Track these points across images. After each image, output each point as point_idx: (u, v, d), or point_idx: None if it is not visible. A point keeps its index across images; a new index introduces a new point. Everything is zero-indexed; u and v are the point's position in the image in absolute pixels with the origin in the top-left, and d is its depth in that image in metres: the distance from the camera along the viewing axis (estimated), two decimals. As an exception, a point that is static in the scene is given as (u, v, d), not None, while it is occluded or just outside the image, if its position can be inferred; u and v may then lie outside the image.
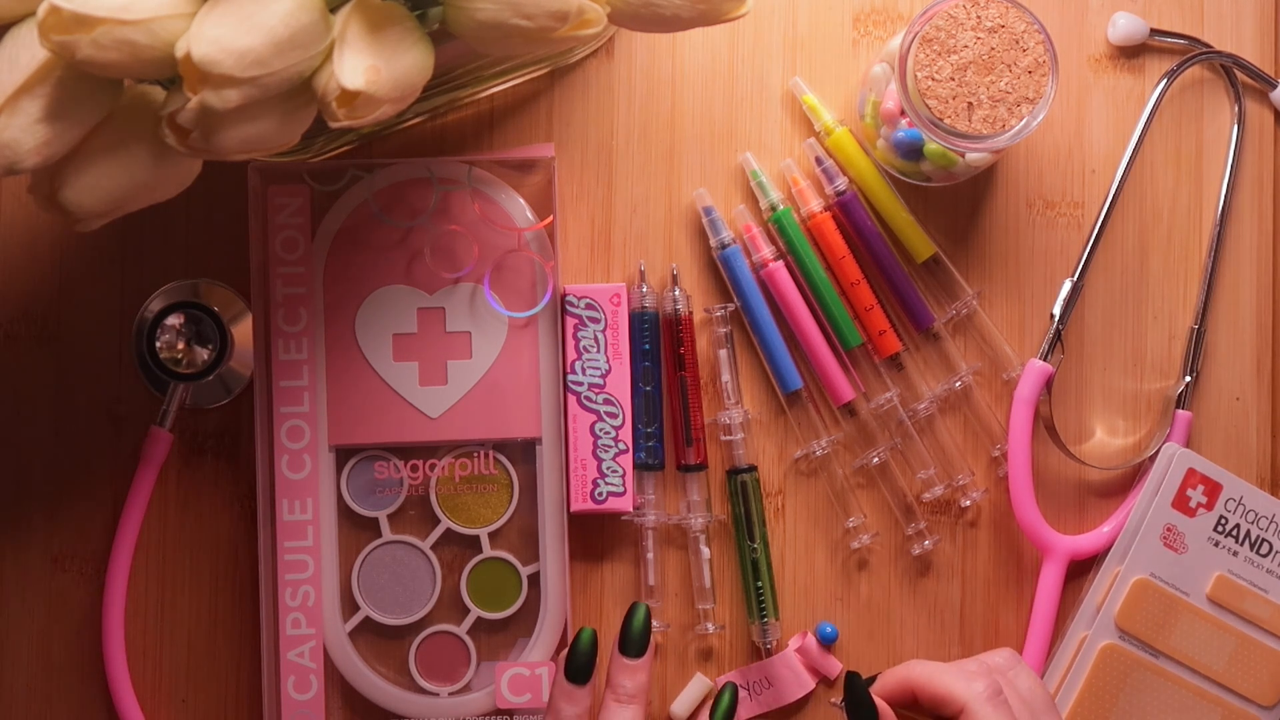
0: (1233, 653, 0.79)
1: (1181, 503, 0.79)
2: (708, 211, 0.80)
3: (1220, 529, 0.79)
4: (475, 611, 0.79)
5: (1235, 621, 0.79)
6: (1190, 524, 0.79)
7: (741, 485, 0.79)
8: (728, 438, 0.79)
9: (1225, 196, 0.81)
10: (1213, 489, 0.79)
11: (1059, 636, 0.80)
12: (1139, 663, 0.79)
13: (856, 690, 0.69)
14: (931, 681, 0.69)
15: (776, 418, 0.80)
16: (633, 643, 0.73)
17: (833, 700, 0.75)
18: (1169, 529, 0.79)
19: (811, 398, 0.80)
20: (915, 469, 0.80)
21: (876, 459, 0.80)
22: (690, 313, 0.79)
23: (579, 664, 0.72)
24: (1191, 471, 0.79)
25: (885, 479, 0.80)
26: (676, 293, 0.79)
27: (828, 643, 0.79)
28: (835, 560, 0.80)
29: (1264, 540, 0.79)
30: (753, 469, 0.79)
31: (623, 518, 0.80)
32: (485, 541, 0.79)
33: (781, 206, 0.79)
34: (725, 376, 0.79)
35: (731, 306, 0.79)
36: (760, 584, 0.79)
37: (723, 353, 0.79)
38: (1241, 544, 0.79)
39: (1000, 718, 0.67)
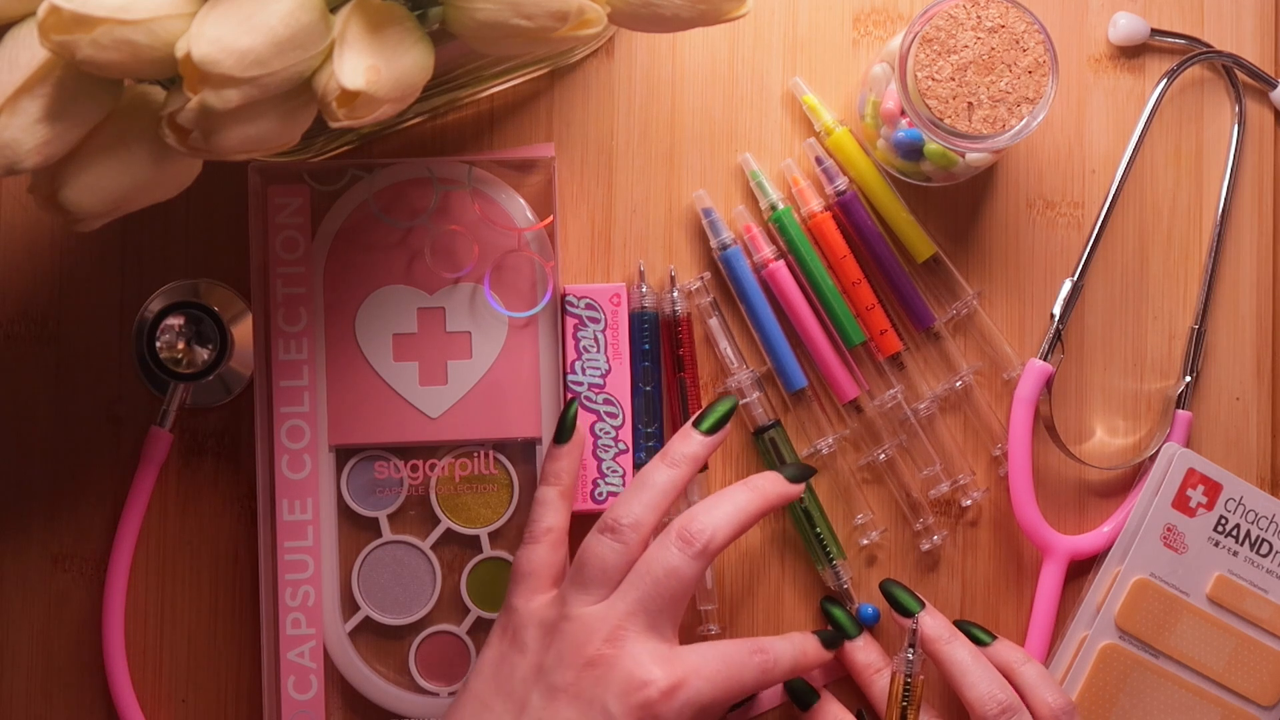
0: (1232, 653, 0.79)
1: (1182, 503, 0.79)
2: (707, 213, 0.79)
3: (1220, 529, 0.79)
4: (475, 611, 0.79)
5: (1235, 621, 0.79)
6: (1190, 524, 0.79)
7: (771, 443, 0.79)
8: (743, 400, 0.79)
9: (1225, 196, 0.81)
10: (1213, 489, 0.79)
11: (1059, 636, 0.80)
12: (1139, 663, 0.79)
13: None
14: (956, 674, 0.74)
15: (781, 416, 0.80)
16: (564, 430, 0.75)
17: None
18: (1169, 529, 0.79)
19: (816, 396, 0.80)
20: (920, 466, 0.80)
21: (883, 455, 0.80)
22: (689, 314, 0.79)
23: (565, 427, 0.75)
24: (1192, 471, 0.79)
25: (892, 475, 0.80)
26: (675, 294, 0.79)
27: (870, 624, 0.79)
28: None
29: (1264, 540, 0.79)
30: (776, 424, 0.79)
31: (623, 518, 0.79)
32: (485, 541, 0.79)
33: (781, 206, 0.79)
34: (722, 344, 0.79)
35: (707, 275, 0.79)
36: (818, 530, 0.79)
37: (713, 322, 0.79)
38: (1241, 544, 0.79)
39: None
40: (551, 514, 0.73)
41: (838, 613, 0.78)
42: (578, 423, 0.75)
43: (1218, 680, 0.79)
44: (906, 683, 0.74)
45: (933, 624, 0.76)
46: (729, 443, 0.80)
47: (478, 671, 0.71)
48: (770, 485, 0.74)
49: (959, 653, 0.75)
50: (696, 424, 0.74)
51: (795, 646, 0.73)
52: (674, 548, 0.70)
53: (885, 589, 0.78)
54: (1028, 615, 0.80)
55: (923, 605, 0.77)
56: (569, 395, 0.78)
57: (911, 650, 0.74)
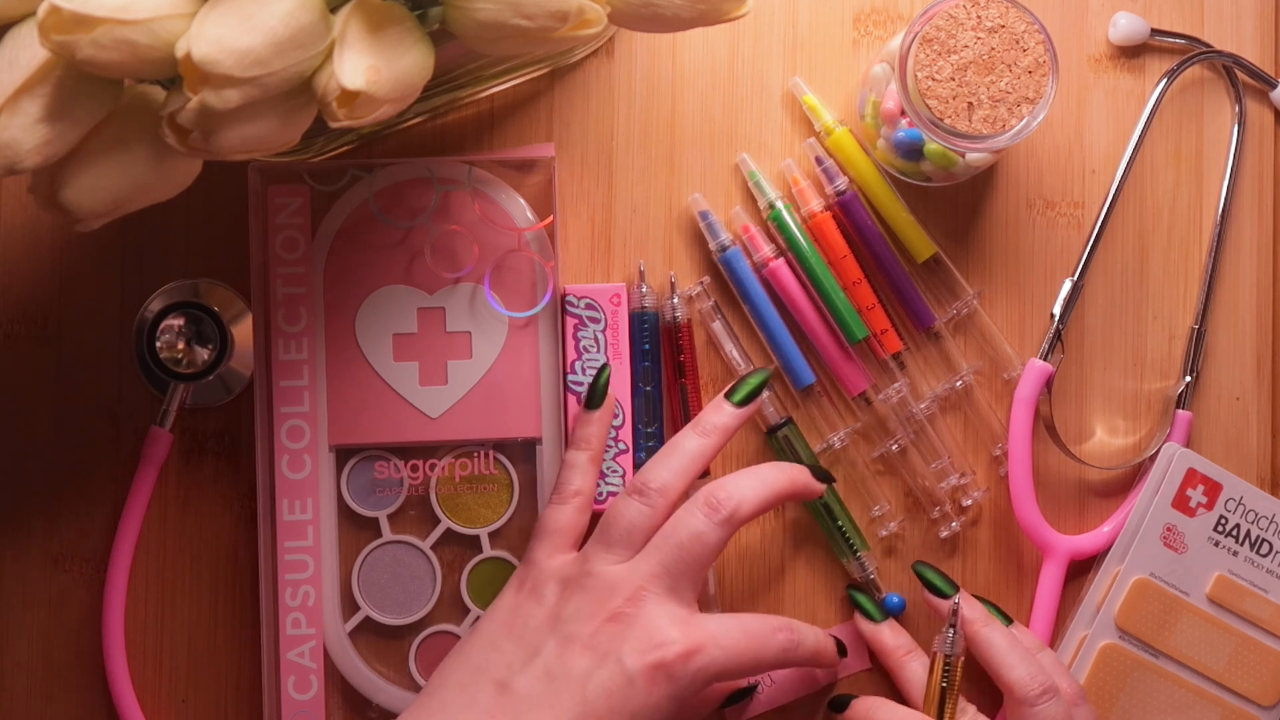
0: (1232, 653, 0.79)
1: (1182, 502, 0.79)
2: (704, 215, 0.79)
3: (1220, 529, 0.79)
4: (475, 611, 0.79)
5: (1235, 621, 0.79)
6: (1190, 524, 0.79)
7: (785, 440, 0.79)
8: None
9: (1225, 196, 0.81)
10: (1213, 489, 0.79)
11: (1059, 636, 0.80)
12: (1139, 662, 0.79)
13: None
14: (995, 656, 0.74)
15: (792, 414, 0.80)
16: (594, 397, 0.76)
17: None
18: (1169, 529, 0.79)
19: (825, 391, 0.80)
20: (929, 460, 0.80)
21: (895, 446, 0.80)
22: (689, 320, 0.79)
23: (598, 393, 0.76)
24: (1192, 471, 0.79)
25: (905, 466, 0.80)
26: (675, 300, 0.79)
27: (896, 612, 0.79)
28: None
29: (1264, 540, 0.79)
30: (788, 421, 0.79)
31: (623, 518, 0.79)
32: (485, 541, 0.79)
33: (779, 204, 0.79)
34: (728, 347, 0.79)
35: (707, 279, 0.79)
36: (839, 523, 0.79)
37: (716, 325, 0.79)
38: (1242, 544, 0.79)
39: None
40: (580, 477, 0.74)
41: (862, 598, 0.78)
42: (609, 389, 0.76)
43: (1217, 680, 0.79)
44: (947, 662, 0.74)
45: (969, 607, 0.76)
46: (743, 444, 0.80)
47: (490, 617, 0.72)
48: (797, 473, 0.75)
49: (996, 636, 0.75)
50: (729, 395, 0.75)
51: (820, 637, 0.73)
52: (700, 514, 0.71)
53: (919, 571, 0.78)
54: (1028, 615, 0.80)
55: (956, 588, 0.77)
56: (567, 395, 0.78)
57: (953, 630, 0.74)
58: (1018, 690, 0.73)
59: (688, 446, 0.73)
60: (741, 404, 0.75)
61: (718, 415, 0.74)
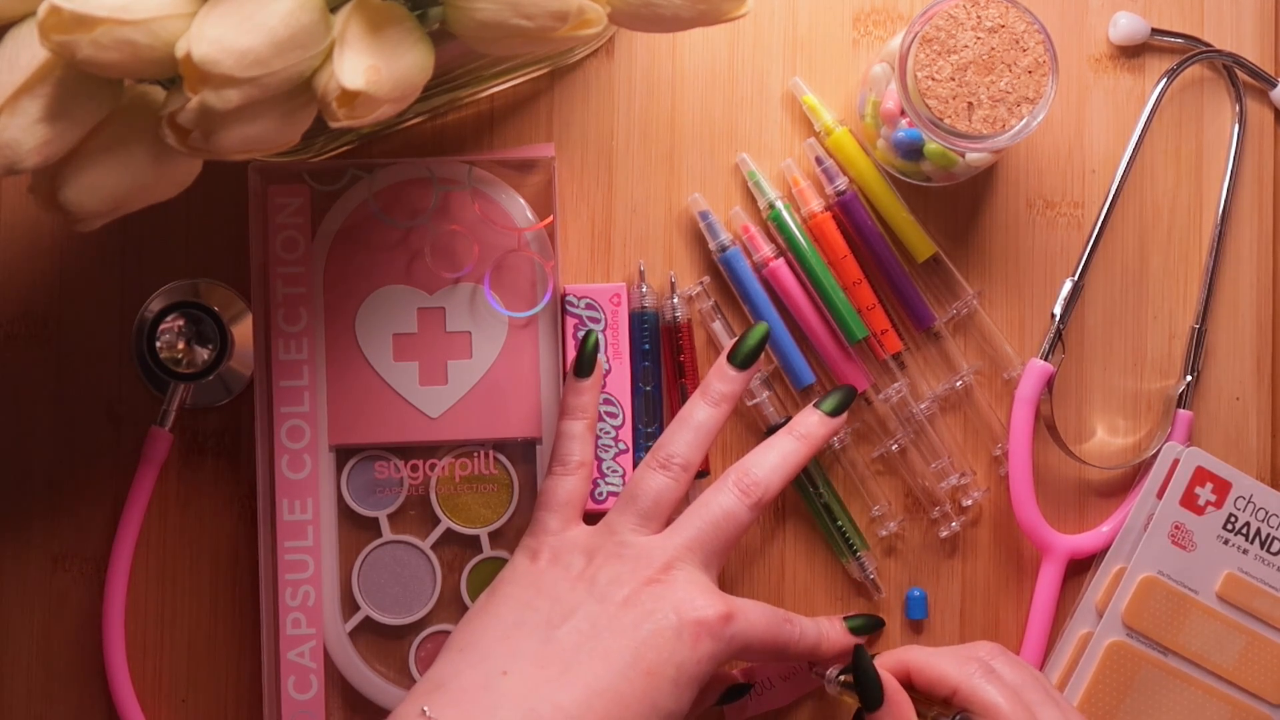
0: (1242, 650, 0.79)
1: (1190, 501, 0.79)
2: (704, 216, 0.79)
3: (1230, 527, 0.79)
4: (475, 612, 0.79)
5: (1245, 619, 0.79)
6: (1199, 522, 0.79)
7: None
8: (753, 401, 0.79)
9: (1225, 196, 0.81)
10: (1222, 487, 0.79)
11: (1058, 635, 0.80)
12: (1147, 660, 0.78)
13: (863, 664, 0.72)
14: (927, 665, 0.72)
15: (792, 413, 0.80)
16: (585, 363, 0.76)
17: (836, 677, 0.74)
18: (1177, 526, 0.79)
19: (824, 391, 0.80)
20: (929, 460, 0.80)
21: (895, 446, 0.80)
22: (689, 320, 0.79)
23: (584, 361, 0.76)
24: (1200, 470, 0.79)
25: (905, 466, 0.80)
26: (675, 300, 0.79)
27: (918, 608, 0.80)
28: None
29: (1274, 538, 0.79)
30: (788, 420, 0.79)
31: (623, 518, 0.79)
32: (485, 541, 0.79)
33: (778, 204, 0.79)
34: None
35: (706, 279, 0.79)
36: (840, 523, 0.79)
37: (716, 325, 0.79)
38: (1251, 542, 0.79)
39: (993, 692, 0.69)
40: (580, 448, 0.75)
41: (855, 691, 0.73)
42: (598, 356, 0.76)
43: (1227, 678, 0.79)
44: None
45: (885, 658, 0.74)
46: (743, 445, 0.80)
47: (510, 581, 0.72)
48: (815, 429, 0.75)
49: (915, 653, 0.73)
50: (731, 358, 0.75)
51: (819, 629, 0.74)
52: (733, 493, 0.72)
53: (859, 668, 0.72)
54: (1026, 614, 0.80)
55: (880, 702, 0.72)
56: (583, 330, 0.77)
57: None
58: (955, 673, 0.71)
59: (700, 419, 0.74)
60: (744, 366, 0.75)
61: (724, 383, 0.75)
